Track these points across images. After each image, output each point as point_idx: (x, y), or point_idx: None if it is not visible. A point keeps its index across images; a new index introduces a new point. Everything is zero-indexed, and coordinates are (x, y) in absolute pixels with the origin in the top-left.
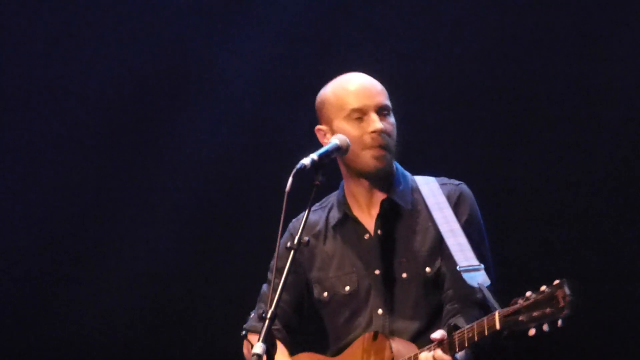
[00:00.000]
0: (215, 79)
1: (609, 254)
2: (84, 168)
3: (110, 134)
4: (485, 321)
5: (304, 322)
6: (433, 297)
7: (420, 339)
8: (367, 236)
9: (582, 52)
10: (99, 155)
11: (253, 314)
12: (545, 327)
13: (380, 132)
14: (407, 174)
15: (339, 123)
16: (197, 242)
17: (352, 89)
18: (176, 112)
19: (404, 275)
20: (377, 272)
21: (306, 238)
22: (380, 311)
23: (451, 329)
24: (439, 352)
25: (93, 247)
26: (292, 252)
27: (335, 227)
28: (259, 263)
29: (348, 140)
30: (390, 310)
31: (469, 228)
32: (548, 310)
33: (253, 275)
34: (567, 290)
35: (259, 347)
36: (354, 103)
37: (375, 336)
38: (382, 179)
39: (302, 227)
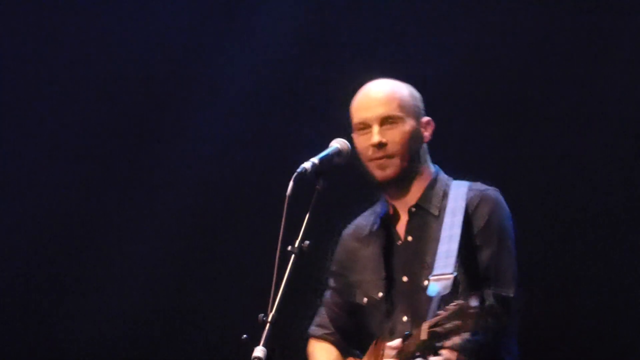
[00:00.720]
0: (216, 80)
1: (609, 255)
2: (83, 169)
3: (110, 136)
4: (418, 331)
5: (359, 325)
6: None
7: None
8: (399, 242)
9: (585, 53)
10: (99, 156)
11: (315, 320)
12: (457, 340)
13: (378, 145)
14: (445, 178)
15: (354, 134)
16: (197, 245)
17: (357, 102)
18: (176, 115)
19: (425, 282)
20: (404, 279)
21: (307, 242)
22: (405, 318)
23: (406, 337)
24: None
25: (92, 247)
26: (292, 256)
27: (376, 232)
28: (260, 267)
29: (348, 144)
30: (413, 317)
31: (484, 232)
32: (459, 322)
33: (254, 280)
34: (472, 303)
35: (259, 351)
36: (356, 117)
37: (376, 342)
38: (405, 186)
39: (302, 231)
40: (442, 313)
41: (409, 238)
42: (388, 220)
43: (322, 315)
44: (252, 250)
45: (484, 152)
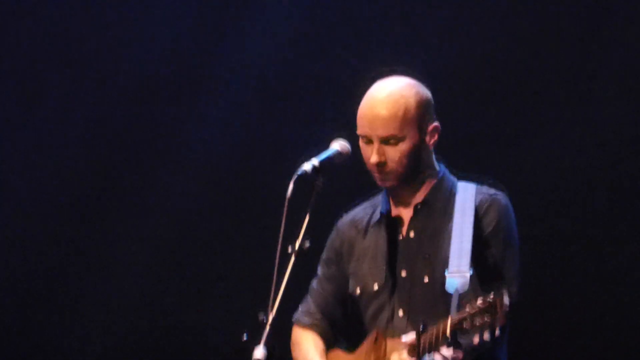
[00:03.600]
0: (216, 81)
1: (606, 254)
2: (82, 171)
3: (108, 137)
4: (441, 325)
5: (347, 314)
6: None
7: None
8: (401, 237)
9: (584, 51)
10: (98, 156)
11: (300, 306)
12: (487, 336)
13: (377, 164)
14: (451, 178)
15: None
16: (197, 246)
17: (363, 112)
18: (175, 115)
19: (426, 279)
20: (403, 273)
21: (307, 244)
22: (401, 312)
23: (419, 332)
24: (404, 355)
25: (92, 247)
26: (292, 256)
27: (376, 223)
28: (260, 267)
29: (349, 146)
30: (409, 312)
31: (493, 238)
32: (487, 318)
33: (254, 280)
34: (505, 301)
35: (259, 352)
36: (360, 128)
37: (377, 338)
38: (408, 189)
39: (302, 232)
40: (469, 309)
41: (411, 234)
42: (390, 215)
43: (309, 303)
44: (253, 251)
45: (484, 149)
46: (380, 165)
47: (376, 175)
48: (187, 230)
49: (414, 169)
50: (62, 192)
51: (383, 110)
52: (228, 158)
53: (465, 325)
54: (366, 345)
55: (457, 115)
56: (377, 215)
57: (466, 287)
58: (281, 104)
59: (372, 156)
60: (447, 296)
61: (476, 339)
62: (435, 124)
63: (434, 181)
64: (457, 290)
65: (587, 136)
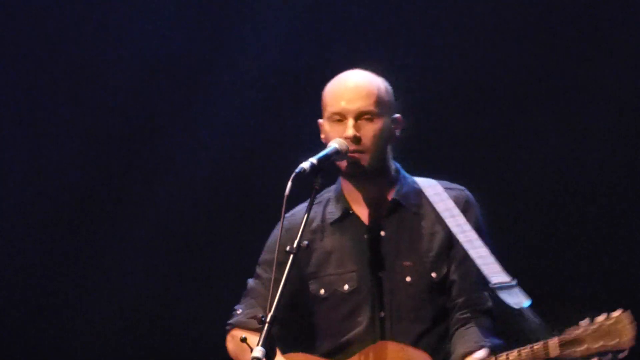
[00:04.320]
0: (216, 80)
1: (605, 256)
2: (81, 170)
3: (107, 136)
4: (542, 346)
5: (299, 317)
6: (436, 302)
7: (422, 343)
8: (367, 235)
9: (580, 51)
10: (98, 154)
11: (239, 309)
12: None
13: (352, 138)
14: (407, 175)
15: (325, 122)
16: (195, 244)
17: (336, 91)
18: (175, 115)
19: (408, 279)
20: (380, 274)
21: (305, 242)
22: (382, 314)
23: (494, 350)
24: None
25: (91, 246)
26: (291, 256)
27: (334, 223)
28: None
29: (346, 144)
30: (392, 313)
31: (478, 234)
32: (612, 342)
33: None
34: (631, 320)
35: (258, 351)
36: (333, 106)
37: (386, 346)
38: (373, 181)
39: (301, 230)
40: (584, 329)
41: (382, 233)
42: (351, 213)
43: (250, 305)
44: (251, 250)
45: (475, 152)
46: (356, 140)
47: (349, 155)
48: (186, 228)
49: (384, 156)
50: (61, 191)
51: (359, 87)
52: (227, 158)
53: (581, 347)
54: (372, 356)
55: (454, 117)
56: (335, 214)
57: (525, 299)
58: (281, 104)
59: (347, 130)
60: (434, 296)
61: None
62: (400, 116)
63: (398, 177)
64: (524, 309)
65: (580, 138)
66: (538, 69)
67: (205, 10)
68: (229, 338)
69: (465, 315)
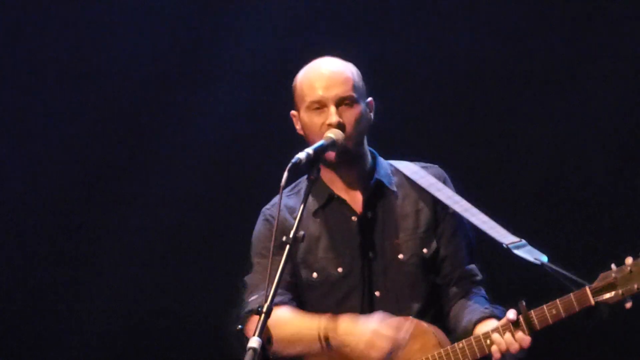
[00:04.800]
0: (213, 75)
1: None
2: (79, 169)
3: (104, 132)
4: (573, 297)
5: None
6: (429, 277)
7: (423, 319)
8: (355, 218)
9: (570, 41)
10: (95, 151)
11: (252, 298)
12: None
13: (337, 125)
14: (382, 159)
15: (303, 112)
16: (192, 238)
17: (313, 80)
18: (171, 111)
19: (401, 256)
20: (370, 254)
21: (302, 232)
22: (377, 293)
23: (524, 308)
24: (519, 334)
25: (90, 244)
26: (287, 247)
27: (318, 209)
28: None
29: (343, 135)
30: (388, 292)
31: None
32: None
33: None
34: None
35: (254, 341)
36: (312, 95)
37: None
38: (355, 165)
39: (297, 221)
40: (615, 275)
41: (369, 214)
42: (336, 197)
43: (262, 289)
44: (247, 248)
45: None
46: (341, 126)
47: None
48: (182, 221)
49: (363, 140)
50: (59, 187)
51: (336, 74)
52: (224, 152)
53: (614, 291)
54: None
55: (452, 108)
56: (319, 200)
57: (540, 253)
58: (276, 99)
59: (331, 117)
60: (427, 271)
61: (629, 304)
62: (372, 99)
63: (375, 160)
64: (545, 262)
65: (576, 130)
66: (529, 54)
67: (199, 6)
68: (250, 321)
69: (464, 287)
